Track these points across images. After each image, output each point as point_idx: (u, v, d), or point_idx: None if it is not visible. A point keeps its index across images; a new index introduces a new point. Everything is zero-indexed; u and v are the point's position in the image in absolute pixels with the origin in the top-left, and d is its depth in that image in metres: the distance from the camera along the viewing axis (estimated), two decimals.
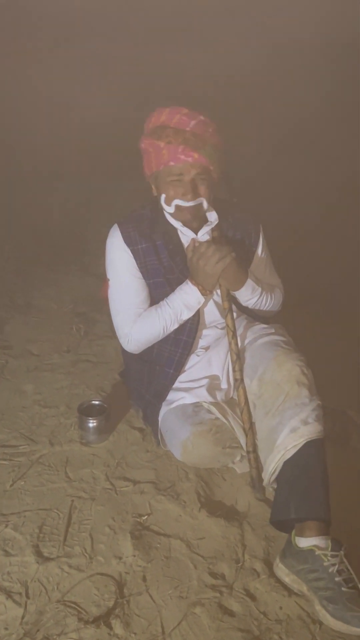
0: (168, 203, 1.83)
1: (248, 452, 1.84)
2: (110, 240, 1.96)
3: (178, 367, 1.99)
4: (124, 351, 2.16)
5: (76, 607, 1.51)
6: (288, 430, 1.68)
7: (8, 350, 2.71)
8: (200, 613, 1.50)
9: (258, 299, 1.99)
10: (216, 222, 1.90)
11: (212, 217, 1.90)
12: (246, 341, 1.95)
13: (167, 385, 2.00)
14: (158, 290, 1.95)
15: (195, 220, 1.86)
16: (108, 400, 2.22)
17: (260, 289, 1.96)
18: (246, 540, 1.72)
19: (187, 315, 1.89)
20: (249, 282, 1.93)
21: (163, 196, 1.84)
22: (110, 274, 1.98)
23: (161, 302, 1.92)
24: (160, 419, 1.98)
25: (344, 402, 2.18)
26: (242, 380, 1.86)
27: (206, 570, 1.62)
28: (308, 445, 1.66)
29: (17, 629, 1.45)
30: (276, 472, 1.72)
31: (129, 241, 1.91)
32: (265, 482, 1.80)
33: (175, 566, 1.63)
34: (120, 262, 1.94)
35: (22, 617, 1.48)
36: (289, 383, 1.75)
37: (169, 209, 1.84)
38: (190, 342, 1.98)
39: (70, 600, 1.53)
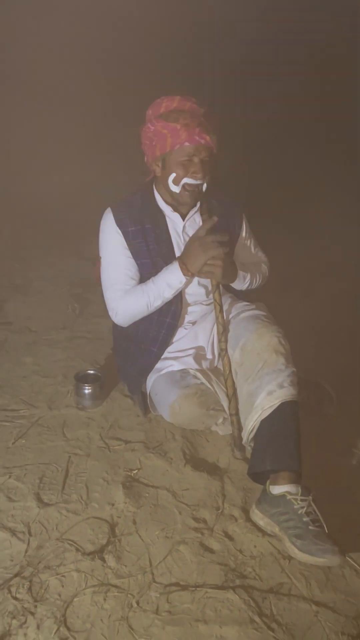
0: (177, 182, 1.98)
1: (231, 414, 2.03)
2: (103, 222, 2.13)
3: (162, 347, 2.17)
4: (113, 329, 2.35)
5: (73, 544, 1.69)
6: (265, 393, 1.88)
7: (8, 326, 2.89)
8: (183, 550, 1.69)
9: (249, 284, 2.19)
10: (198, 208, 2.09)
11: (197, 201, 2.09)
12: (230, 316, 2.14)
13: (151, 362, 2.18)
14: (145, 270, 2.12)
15: (193, 202, 2.04)
16: (102, 370, 2.40)
17: (249, 276, 2.15)
18: (226, 491, 1.91)
19: (169, 293, 2.05)
20: (240, 274, 2.12)
21: (172, 176, 1.98)
22: (102, 252, 2.15)
23: (147, 281, 2.10)
24: (150, 385, 2.17)
25: (318, 375, 2.37)
26: (226, 350, 2.05)
27: (190, 515, 1.81)
28: (283, 406, 1.86)
29: (21, 560, 1.64)
30: (254, 431, 1.91)
31: (120, 223, 2.08)
32: (244, 441, 1.99)
33: (162, 512, 1.82)
34: (111, 241, 2.11)
35: (26, 552, 1.66)
36: (267, 352, 1.94)
37: (174, 188, 1.99)
38: (174, 324, 2.16)
39: (68, 538, 1.71)
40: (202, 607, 1.52)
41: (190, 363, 2.13)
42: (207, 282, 2.13)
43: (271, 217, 3.83)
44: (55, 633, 1.43)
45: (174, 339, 2.20)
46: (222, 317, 2.06)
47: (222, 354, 2.05)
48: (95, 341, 2.79)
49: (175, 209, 2.08)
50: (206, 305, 2.22)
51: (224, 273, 2.02)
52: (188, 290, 2.17)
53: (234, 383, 2.03)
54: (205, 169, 1.97)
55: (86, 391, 2.26)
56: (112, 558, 1.65)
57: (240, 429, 2.01)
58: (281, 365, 1.91)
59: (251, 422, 1.91)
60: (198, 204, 2.12)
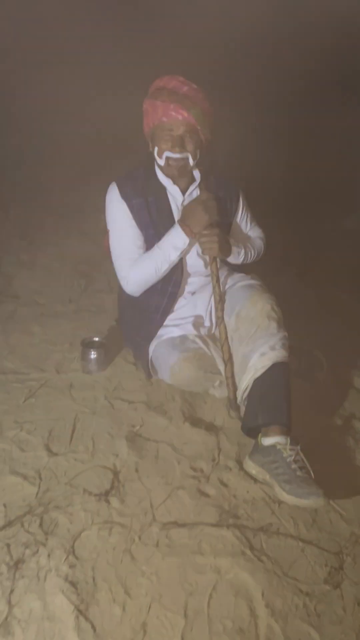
0: (160, 155, 2.13)
1: (227, 377, 2.17)
2: (109, 195, 2.26)
3: (164, 314, 2.32)
4: (119, 300, 2.50)
5: (81, 488, 1.84)
6: (258, 354, 2.03)
7: (16, 299, 3.03)
8: (182, 494, 1.84)
9: (244, 259, 2.33)
10: (199, 181, 2.23)
11: (197, 176, 2.22)
12: (227, 286, 2.28)
13: (154, 328, 2.33)
14: (150, 241, 2.25)
15: (182, 175, 2.18)
16: (107, 338, 2.55)
17: (243, 251, 2.29)
18: (221, 445, 2.06)
19: (175, 255, 2.18)
20: (234, 250, 2.25)
21: (155, 149, 2.14)
22: (110, 224, 2.29)
23: (153, 247, 2.23)
24: (151, 351, 2.31)
25: (309, 344, 2.52)
26: (223, 318, 2.19)
27: (188, 465, 1.96)
28: (274, 366, 2.00)
29: (32, 501, 1.78)
30: (248, 390, 2.05)
31: (125, 196, 2.22)
32: (239, 400, 2.14)
33: (163, 463, 1.97)
34: (118, 213, 2.24)
35: (37, 494, 1.81)
36: (260, 317, 2.08)
37: (160, 161, 2.14)
38: (175, 292, 2.30)
39: (76, 483, 1.86)
40: (199, 542, 1.66)
41: (189, 329, 2.27)
42: (205, 255, 2.27)
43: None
44: (64, 560, 1.58)
45: (175, 307, 2.34)
46: (219, 287, 2.20)
47: (219, 321, 2.20)
48: (99, 314, 2.93)
49: (175, 182, 2.22)
50: (205, 277, 2.36)
51: (220, 248, 2.16)
52: (188, 262, 2.30)
53: (229, 349, 2.17)
54: (185, 143, 2.09)
55: (92, 356, 2.40)
56: (116, 500, 1.80)
57: (235, 390, 2.16)
58: (273, 329, 2.06)
59: (245, 382, 2.05)
60: (197, 180, 2.25)
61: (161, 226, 2.23)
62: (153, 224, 2.23)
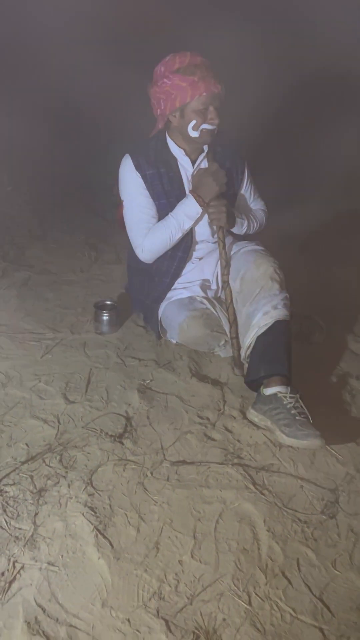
0: (196, 128, 2.23)
1: (232, 337, 2.31)
2: (122, 167, 2.39)
3: (174, 278, 2.46)
4: (128, 268, 2.64)
5: (98, 430, 1.99)
6: (261, 313, 2.17)
7: (30, 268, 3.18)
8: (190, 438, 1.98)
9: (246, 230, 2.47)
10: (205, 153, 2.36)
11: (205, 147, 2.36)
12: (232, 252, 2.42)
13: (163, 291, 2.47)
14: (162, 210, 2.39)
15: (210, 141, 2.30)
16: (118, 302, 2.69)
17: (246, 222, 2.43)
18: (226, 397, 2.20)
19: (188, 224, 2.33)
20: (237, 221, 2.40)
21: (192, 123, 2.22)
22: (124, 195, 2.42)
23: (166, 217, 2.37)
24: (161, 312, 2.45)
25: (310, 309, 2.66)
26: (228, 282, 2.33)
27: (195, 414, 2.10)
28: (276, 324, 2.15)
29: (52, 441, 1.93)
30: (251, 347, 2.20)
31: (138, 167, 2.34)
32: (242, 357, 2.28)
33: (172, 411, 2.12)
34: (132, 184, 2.37)
35: (56, 435, 1.96)
36: (264, 279, 2.23)
37: (194, 134, 2.24)
38: (185, 257, 2.45)
39: (92, 427, 2.01)
40: (206, 477, 1.81)
41: (197, 291, 2.41)
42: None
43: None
44: (83, 490, 1.73)
45: (183, 271, 2.48)
46: (225, 253, 2.34)
47: (224, 285, 2.34)
48: (109, 283, 3.07)
49: (187, 154, 2.35)
50: (212, 243, 2.49)
51: (227, 218, 2.30)
52: (197, 230, 2.44)
53: (234, 311, 2.31)
54: (219, 114, 2.22)
55: (104, 317, 2.54)
56: (129, 442, 1.95)
57: (239, 349, 2.30)
58: (276, 290, 2.20)
59: (248, 339, 2.20)
60: (205, 151, 2.38)
61: (173, 196, 2.36)
62: (166, 194, 2.36)
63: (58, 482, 1.76)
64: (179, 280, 2.47)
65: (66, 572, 1.49)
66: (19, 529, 1.60)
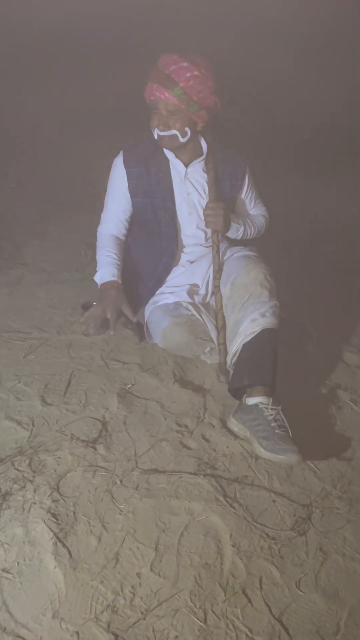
0: (152, 130, 2.24)
1: (219, 344, 2.26)
2: (115, 161, 2.39)
3: (157, 283, 2.43)
4: None
5: (70, 435, 1.96)
6: (249, 320, 2.12)
7: (25, 266, 3.16)
8: (165, 446, 1.94)
9: (242, 235, 2.41)
10: (204, 157, 2.32)
11: (205, 150, 2.31)
12: (225, 257, 2.37)
13: (146, 296, 2.43)
14: (142, 208, 2.37)
15: (176, 150, 2.26)
16: None
17: (242, 228, 2.37)
18: (208, 405, 2.16)
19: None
20: (233, 226, 2.34)
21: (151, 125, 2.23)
22: (108, 184, 2.43)
23: (106, 257, 2.41)
24: (147, 315, 2.41)
25: (302, 317, 2.60)
26: (219, 287, 2.28)
27: (174, 421, 2.06)
28: (263, 332, 2.09)
29: (24, 444, 1.91)
30: (237, 354, 2.15)
31: (127, 164, 2.33)
32: (228, 365, 2.23)
33: (150, 418, 2.08)
34: (116, 178, 2.38)
35: (28, 438, 1.93)
36: (253, 285, 2.17)
37: (154, 136, 2.24)
38: (170, 262, 2.41)
39: (66, 431, 1.98)
40: (176, 487, 1.77)
41: (183, 297, 2.36)
42: (201, 223, 2.37)
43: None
44: (49, 496, 1.70)
45: (173, 275, 2.43)
46: (219, 257, 2.29)
47: (215, 290, 2.29)
48: None
49: (177, 156, 2.31)
50: (204, 247, 2.45)
51: (224, 222, 2.26)
52: (188, 232, 2.40)
53: (223, 317, 2.26)
54: (171, 121, 2.16)
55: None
56: (102, 447, 1.91)
57: (226, 356, 2.25)
58: (265, 297, 2.15)
59: (235, 346, 2.15)
60: (204, 154, 2.33)
61: (158, 197, 2.33)
62: (150, 193, 2.33)
63: (24, 487, 1.73)
64: (168, 282, 2.43)
65: (20, 580, 1.46)
66: None
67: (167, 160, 2.34)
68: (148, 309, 2.41)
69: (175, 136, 2.20)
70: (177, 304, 2.35)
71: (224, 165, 2.35)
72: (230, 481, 1.82)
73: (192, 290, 2.41)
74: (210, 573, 1.52)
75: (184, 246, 2.42)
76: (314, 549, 1.62)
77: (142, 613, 1.41)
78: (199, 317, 2.32)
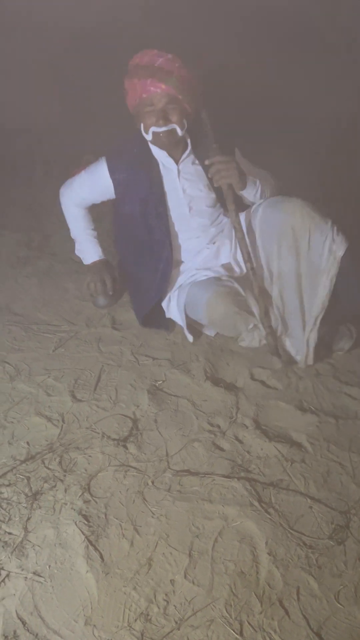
0: (146, 131, 2.14)
1: (267, 326, 2.18)
2: (96, 167, 2.33)
3: (159, 290, 2.38)
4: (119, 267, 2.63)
5: (101, 433, 1.92)
6: (327, 252, 2.06)
7: (54, 256, 3.13)
8: (197, 446, 1.89)
9: (261, 190, 2.26)
10: (190, 149, 2.24)
11: (189, 143, 2.24)
12: (245, 225, 2.19)
13: (150, 303, 2.40)
14: (130, 216, 2.33)
15: (174, 146, 2.19)
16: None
17: (258, 181, 2.23)
18: (240, 404, 2.10)
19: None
20: (250, 179, 2.20)
21: (141, 125, 2.15)
22: (87, 170, 2.39)
23: (84, 237, 2.54)
24: (185, 295, 2.30)
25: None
26: (255, 270, 2.15)
27: (205, 420, 2.01)
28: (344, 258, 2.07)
29: (54, 441, 1.87)
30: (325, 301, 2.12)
31: (112, 172, 2.27)
32: (309, 330, 2.18)
33: (181, 416, 2.03)
34: (97, 181, 2.33)
35: (59, 435, 1.90)
36: (302, 224, 2.07)
37: (147, 137, 2.16)
38: (168, 269, 2.34)
39: (96, 428, 1.94)
40: (209, 490, 1.72)
41: (222, 272, 2.30)
42: (205, 212, 2.32)
43: None
44: (80, 496, 1.67)
45: (200, 257, 2.37)
46: (245, 240, 2.13)
47: (252, 272, 2.15)
48: None
49: (169, 154, 2.23)
50: (217, 225, 2.37)
51: (238, 176, 2.11)
52: (193, 225, 2.35)
53: (263, 300, 2.17)
54: (169, 115, 2.09)
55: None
56: (133, 446, 1.87)
57: (276, 338, 2.20)
58: (321, 222, 2.07)
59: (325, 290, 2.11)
60: (189, 148, 2.26)
61: (151, 203, 2.27)
62: (141, 201, 2.27)
63: (55, 486, 1.70)
64: (197, 265, 2.37)
65: (52, 584, 1.43)
66: (9, 533, 1.55)
67: (156, 163, 2.26)
68: (185, 289, 2.30)
69: (174, 130, 2.12)
70: (217, 278, 2.27)
71: (211, 154, 2.18)
72: (265, 485, 1.76)
73: (227, 267, 2.34)
74: (245, 582, 1.47)
75: (185, 241, 2.39)
76: (353, 559, 1.56)
77: (176, 622, 1.37)
78: (241, 290, 2.23)
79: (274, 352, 2.21)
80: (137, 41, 2.23)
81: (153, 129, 2.12)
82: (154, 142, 2.18)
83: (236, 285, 2.22)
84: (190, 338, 2.36)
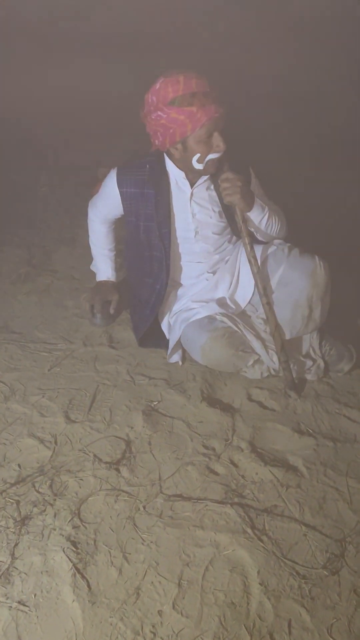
0: (201, 161, 2.05)
1: (282, 361, 2.17)
2: (107, 179, 2.30)
3: (153, 310, 2.37)
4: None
5: (93, 455, 1.89)
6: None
7: (54, 273, 3.12)
8: (191, 470, 1.86)
9: (268, 218, 2.20)
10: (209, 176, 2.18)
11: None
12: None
13: (145, 322, 2.40)
14: (133, 230, 2.31)
15: (215, 170, 2.11)
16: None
17: (267, 207, 2.18)
18: (236, 426, 2.07)
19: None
20: (257, 201, 2.15)
21: (196, 156, 2.03)
22: (101, 189, 2.38)
23: (102, 255, 2.60)
24: (178, 333, 2.30)
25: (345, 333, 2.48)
26: (271, 305, 2.14)
27: (200, 443, 1.98)
28: None
29: (46, 464, 1.85)
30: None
31: (120, 184, 2.23)
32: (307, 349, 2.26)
33: (176, 438, 2.00)
34: (108, 196, 2.32)
35: (51, 457, 1.88)
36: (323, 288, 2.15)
37: (199, 166, 2.06)
38: (162, 291, 2.33)
39: (89, 450, 1.91)
40: (201, 517, 1.69)
41: (215, 309, 2.26)
42: (211, 238, 2.31)
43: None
44: (69, 522, 1.64)
45: (196, 289, 2.35)
46: (258, 273, 2.12)
47: (266, 308, 2.14)
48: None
49: (187, 177, 2.18)
50: (216, 253, 2.36)
51: (243, 196, 2.06)
52: (196, 250, 2.32)
53: (281, 335, 2.16)
54: (225, 137, 2.01)
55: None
56: (126, 470, 1.84)
57: (291, 372, 2.18)
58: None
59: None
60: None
61: (154, 221, 2.24)
62: (145, 217, 2.24)
63: (44, 511, 1.67)
64: (193, 297, 2.35)
65: (37, 614, 1.40)
66: None
67: (167, 183, 2.20)
68: (180, 328, 2.30)
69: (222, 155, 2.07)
70: (211, 318, 2.23)
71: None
72: (259, 511, 1.72)
73: (222, 302, 2.31)
74: (235, 614, 1.43)
75: (187, 264, 2.38)
76: (347, 590, 1.52)
77: None
78: (236, 328, 2.20)
79: (291, 387, 2.19)
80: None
81: (212, 156, 2.02)
82: (204, 171, 2.10)
83: (230, 324, 2.19)
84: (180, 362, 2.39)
